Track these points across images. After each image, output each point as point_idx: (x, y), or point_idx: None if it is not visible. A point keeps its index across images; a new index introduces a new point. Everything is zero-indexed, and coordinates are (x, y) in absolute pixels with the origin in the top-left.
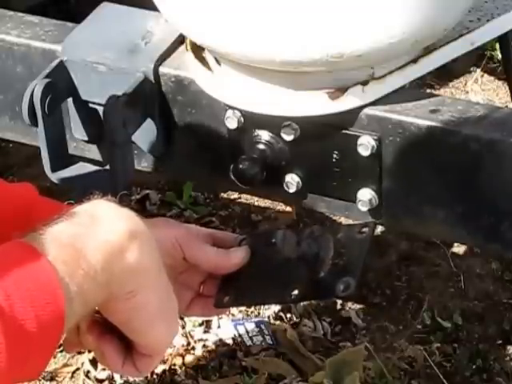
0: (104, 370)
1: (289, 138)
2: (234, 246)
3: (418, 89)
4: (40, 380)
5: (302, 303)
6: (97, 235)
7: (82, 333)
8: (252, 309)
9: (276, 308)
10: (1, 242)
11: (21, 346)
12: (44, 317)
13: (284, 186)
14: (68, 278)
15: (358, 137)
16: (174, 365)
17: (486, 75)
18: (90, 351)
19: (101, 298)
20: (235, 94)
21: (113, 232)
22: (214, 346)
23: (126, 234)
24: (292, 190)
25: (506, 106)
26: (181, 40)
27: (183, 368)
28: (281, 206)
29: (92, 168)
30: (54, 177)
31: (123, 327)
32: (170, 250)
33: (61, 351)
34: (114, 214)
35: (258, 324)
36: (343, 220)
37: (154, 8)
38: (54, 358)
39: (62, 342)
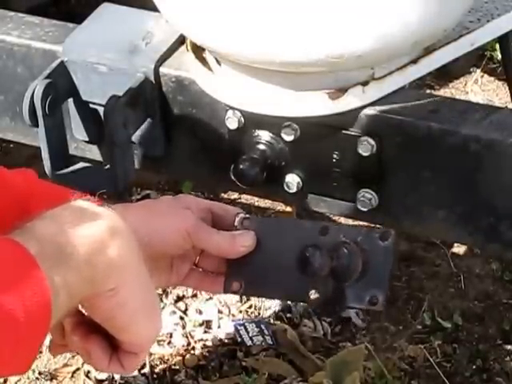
0: None
1: (289, 138)
2: (233, 222)
3: (417, 89)
4: (40, 380)
5: (302, 304)
6: (79, 231)
7: (67, 334)
8: (252, 309)
9: (276, 308)
10: (0, 229)
11: (9, 335)
12: (31, 307)
13: (284, 186)
14: (52, 272)
15: (358, 137)
16: (174, 365)
17: (485, 76)
18: None
19: (85, 291)
20: (236, 95)
21: (94, 228)
22: (214, 346)
23: (106, 230)
24: (292, 190)
25: (506, 107)
26: (181, 40)
27: (183, 368)
28: (281, 207)
29: (92, 168)
30: (55, 177)
31: (107, 325)
32: (180, 243)
33: None
34: (94, 211)
35: (258, 324)
36: (343, 220)
37: (154, 9)
38: (54, 357)
39: (48, 344)
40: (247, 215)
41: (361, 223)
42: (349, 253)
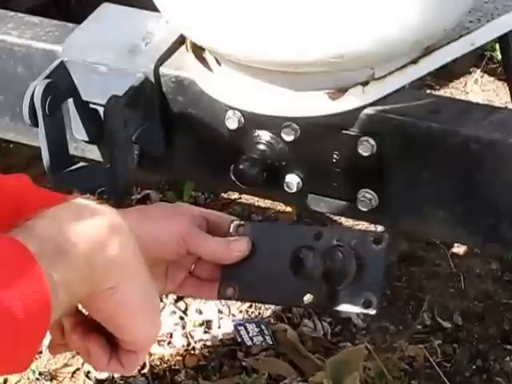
0: None
1: (289, 138)
2: (228, 229)
3: (417, 89)
4: (40, 380)
5: None
6: (78, 229)
7: (66, 333)
8: (252, 309)
9: (276, 308)
10: None
11: (9, 332)
12: (30, 304)
13: (284, 186)
14: (51, 270)
15: (358, 137)
16: (174, 365)
17: (485, 76)
18: None
19: (85, 289)
20: (236, 95)
21: (94, 226)
22: (214, 346)
23: (106, 228)
24: (292, 190)
25: (506, 107)
26: (181, 40)
27: (183, 368)
28: (281, 207)
29: (92, 168)
30: (55, 177)
31: (107, 324)
32: (175, 248)
33: None
34: (93, 209)
35: (258, 324)
36: (343, 220)
37: (154, 9)
38: (54, 357)
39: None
40: (242, 222)
41: (358, 225)
42: (343, 256)
